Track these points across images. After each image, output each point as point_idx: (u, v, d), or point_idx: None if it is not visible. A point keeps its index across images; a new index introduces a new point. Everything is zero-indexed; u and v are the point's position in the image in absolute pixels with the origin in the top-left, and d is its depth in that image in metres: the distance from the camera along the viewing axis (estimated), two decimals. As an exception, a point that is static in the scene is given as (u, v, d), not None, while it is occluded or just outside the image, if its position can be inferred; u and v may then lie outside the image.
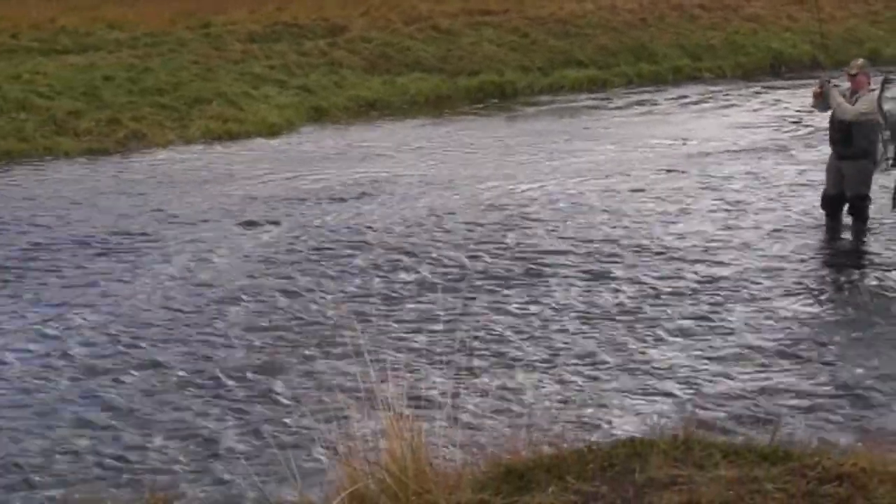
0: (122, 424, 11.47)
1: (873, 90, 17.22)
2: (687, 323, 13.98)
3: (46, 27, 32.32)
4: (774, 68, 34.04)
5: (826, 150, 17.95)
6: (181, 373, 12.72)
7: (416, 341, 13.38)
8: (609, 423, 11.16)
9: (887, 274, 15.92)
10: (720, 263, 16.20)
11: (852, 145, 17.00)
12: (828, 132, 17.54)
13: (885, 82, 16.77)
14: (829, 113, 17.32)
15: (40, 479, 10.20)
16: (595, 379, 12.29)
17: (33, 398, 12.04)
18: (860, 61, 17.94)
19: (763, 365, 12.67)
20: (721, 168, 22.01)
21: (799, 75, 21.11)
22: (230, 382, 12.53)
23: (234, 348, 13.48)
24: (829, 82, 17.32)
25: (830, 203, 17.51)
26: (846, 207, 17.52)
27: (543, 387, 12.21)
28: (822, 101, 17.41)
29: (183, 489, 9.88)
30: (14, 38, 30.90)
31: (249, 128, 26.24)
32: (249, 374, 12.70)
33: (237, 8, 35.59)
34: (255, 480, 10.09)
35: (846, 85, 17.42)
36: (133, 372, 12.72)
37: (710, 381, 12.27)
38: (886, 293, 15.23)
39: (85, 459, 10.61)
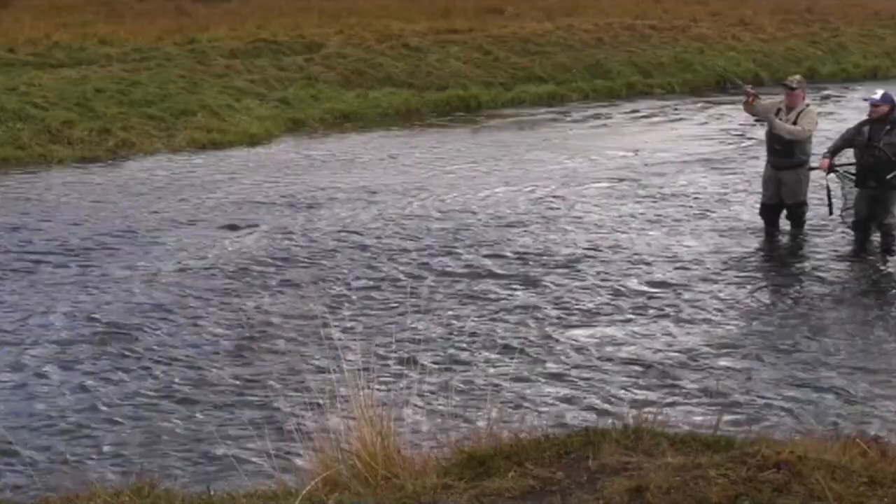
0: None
1: (808, 105, 17.32)
2: (633, 316, 14.05)
3: (42, 42, 32.22)
4: (720, 84, 34.08)
5: (764, 161, 17.98)
6: (157, 349, 12.76)
7: (384, 334, 13.38)
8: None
9: (824, 274, 15.99)
10: (666, 267, 16.24)
11: (792, 156, 17.09)
12: (767, 144, 17.59)
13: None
14: (768, 127, 17.39)
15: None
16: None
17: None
18: (798, 77, 18.05)
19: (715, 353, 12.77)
20: (670, 177, 22.05)
21: (741, 91, 21.25)
22: (211, 371, 12.53)
23: (213, 342, 13.47)
24: (754, 92, 17.45)
25: (769, 212, 17.60)
26: (784, 214, 17.60)
27: (506, 380, 12.23)
28: (754, 109, 17.53)
29: (168, 473, 9.86)
30: (11, 52, 30.79)
31: (231, 138, 26.20)
32: (228, 364, 12.71)
33: (220, 25, 35.54)
34: (234, 465, 10.10)
35: (778, 99, 17.51)
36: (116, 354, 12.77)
37: (662, 365, 12.35)
38: (823, 290, 15.31)
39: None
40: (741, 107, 18.32)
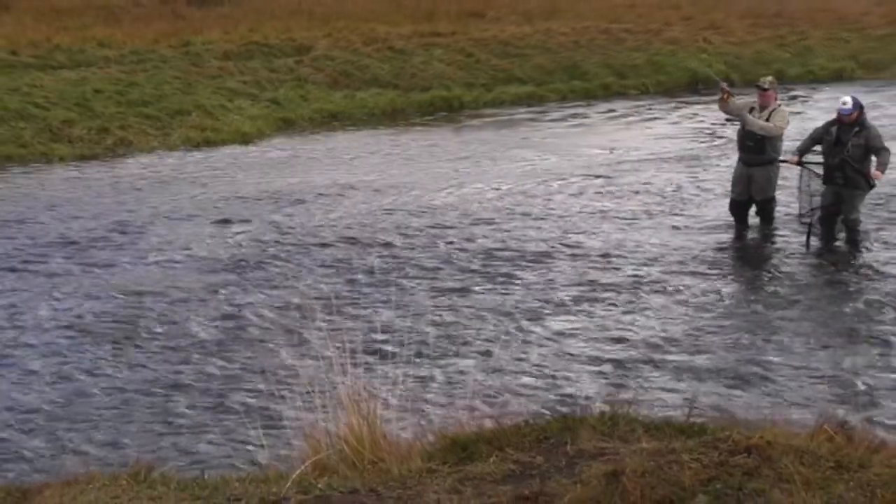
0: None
1: (780, 104, 17.33)
2: (608, 309, 14.06)
3: (43, 45, 32.13)
4: (692, 85, 34.10)
5: (734, 159, 17.99)
6: (151, 337, 12.75)
7: (370, 326, 13.38)
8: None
9: (791, 269, 16.01)
10: (638, 261, 16.25)
11: (763, 153, 17.09)
12: (738, 141, 17.59)
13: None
14: (740, 125, 17.39)
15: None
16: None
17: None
18: (770, 78, 18.04)
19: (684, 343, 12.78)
20: (644, 174, 22.04)
21: (713, 92, 21.21)
22: (204, 360, 12.51)
23: (205, 332, 13.46)
24: (728, 91, 17.46)
25: (738, 208, 17.61)
26: (754, 210, 17.62)
27: (484, 370, 12.22)
28: (727, 107, 17.54)
29: (165, 457, 9.84)
30: (13, 54, 30.72)
31: (225, 136, 26.18)
32: (219, 354, 12.70)
33: (214, 29, 35.46)
34: (229, 452, 10.09)
35: (751, 99, 17.51)
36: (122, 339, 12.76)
37: (634, 351, 12.37)
38: (789, 284, 15.33)
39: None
40: (716, 105, 18.32)
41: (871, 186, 16.51)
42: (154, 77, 29.40)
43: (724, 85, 17.72)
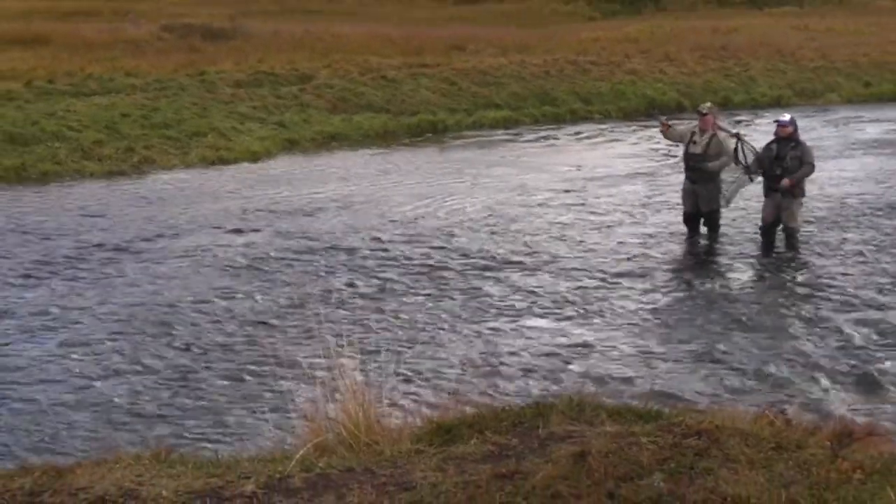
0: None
1: (720, 129, 17.38)
2: (571, 310, 14.06)
3: (77, 74, 32.08)
4: (649, 111, 34.11)
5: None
6: (186, 336, 12.73)
7: (364, 324, 13.38)
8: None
9: (735, 274, 16.02)
10: (600, 266, 16.25)
11: (706, 171, 17.13)
12: (684, 162, 17.66)
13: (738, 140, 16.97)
14: (684, 148, 17.46)
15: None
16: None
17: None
18: (709, 104, 18.19)
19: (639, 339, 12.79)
20: (607, 189, 22.07)
21: (669, 117, 21.25)
22: (221, 354, 12.50)
23: (221, 330, 13.44)
24: (666, 122, 17.56)
25: (690, 220, 17.69)
26: (703, 220, 17.66)
27: (465, 364, 12.22)
28: (670, 135, 17.62)
29: (183, 442, 9.82)
30: (51, 83, 30.64)
31: (236, 155, 26.13)
32: (233, 349, 12.68)
33: (226, 60, 35.43)
34: (239, 433, 10.06)
35: (692, 124, 17.59)
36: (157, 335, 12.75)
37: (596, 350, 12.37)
38: (733, 286, 15.33)
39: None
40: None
41: (751, 180, 17.08)
42: (174, 103, 29.32)
43: (663, 119, 17.85)
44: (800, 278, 15.65)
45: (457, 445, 7.25)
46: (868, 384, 11.52)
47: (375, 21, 49.94)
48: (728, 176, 17.17)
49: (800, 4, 57.57)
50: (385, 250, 17.13)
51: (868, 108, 35.01)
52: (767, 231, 16.93)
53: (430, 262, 16.44)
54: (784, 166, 16.37)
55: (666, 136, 17.99)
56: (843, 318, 13.60)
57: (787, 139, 16.48)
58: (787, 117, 16.83)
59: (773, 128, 17.14)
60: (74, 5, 54.02)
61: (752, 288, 15.34)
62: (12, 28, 41.27)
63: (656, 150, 26.66)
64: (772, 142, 16.75)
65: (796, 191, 16.52)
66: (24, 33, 40.10)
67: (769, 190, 16.73)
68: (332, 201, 20.95)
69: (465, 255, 16.75)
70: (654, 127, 30.18)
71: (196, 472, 6.94)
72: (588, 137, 30.27)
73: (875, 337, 12.93)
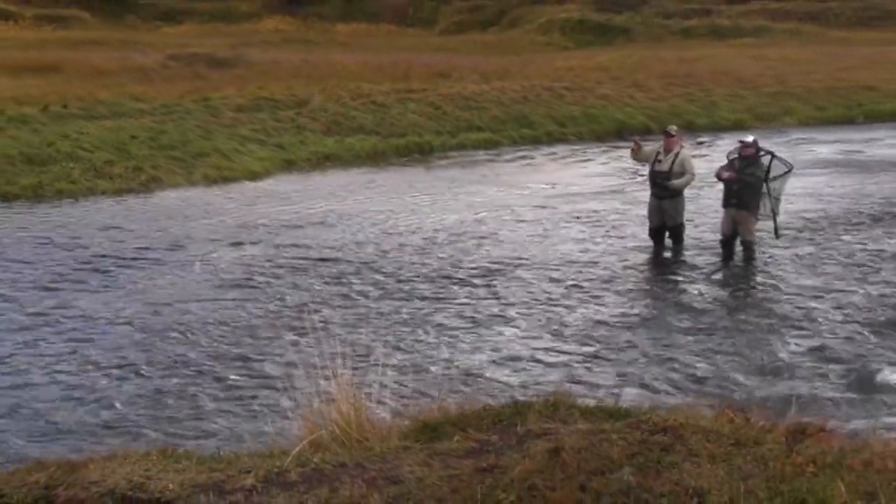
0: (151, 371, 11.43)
1: (682, 148, 17.45)
2: (539, 316, 14.07)
3: (88, 99, 32.00)
4: (619, 133, 34.17)
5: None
6: (189, 337, 12.72)
7: (355, 330, 13.37)
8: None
9: (699, 285, 16.05)
10: (572, 276, 16.28)
11: (670, 189, 17.22)
12: (650, 180, 17.72)
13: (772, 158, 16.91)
14: (650, 166, 17.53)
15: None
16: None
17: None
18: (675, 127, 18.31)
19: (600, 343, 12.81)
20: (579, 204, 22.11)
21: (642, 137, 21.36)
22: (221, 361, 12.49)
23: (221, 336, 13.43)
24: (639, 143, 17.62)
25: (655, 233, 17.75)
26: (668, 234, 17.72)
27: (448, 366, 12.23)
28: (638, 155, 17.66)
29: (186, 441, 9.82)
30: (65, 107, 30.58)
31: (238, 174, 26.14)
32: (233, 356, 12.67)
33: (229, 87, 35.40)
34: (239, 431, 10.05)
35: (657, 144, 17.66)
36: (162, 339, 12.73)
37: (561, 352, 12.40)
38: (694, 295, 15.36)
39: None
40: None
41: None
42: (180, 126, 29.30)
43: (637, 139, 17.88)
44: (756, 288, 15.70)
45: (441, 442, 7.26)
46: (818, 385, 11.56)
47: (367, 51, 49.99)
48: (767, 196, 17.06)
49: (758, 36, 57.71)
50: (375, 261, 17.15)
51: (820, 131, 35.14)
52: (726, 243, 16.99)
53: (417, 271, 16.46)
54: (744, 180, 16.49)
55: (634, 158, 18.07)
56: (792, 325, 13.68)
57: (748, 158, 16.58)
58: (750, 139, 16.97)
59: (733, 147, 17.25)
60: (85, 36, 54.00)
61: (711, 296, 15.36)
62: (28, 57, 41.21)
63: (625, 169, 26.72)
64: (734, 158, 16.87)
65: (751, 205, 16.63)
66: (38, 62, 40.06)
67: (726, 203, 16.85)
68: (326, 216, 20.96)
69: (450, 266, 16.76)
70: (624, 148, 30.38)
71: (200, 466, 6.95)
72: (562, 157, 30.32)
73: (821, 342, 13.01)
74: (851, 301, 14.66)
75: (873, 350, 12.71)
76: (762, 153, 16.80)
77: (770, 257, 17.15)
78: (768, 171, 16.75)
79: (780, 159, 17.01)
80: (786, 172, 17.00)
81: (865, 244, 18.02)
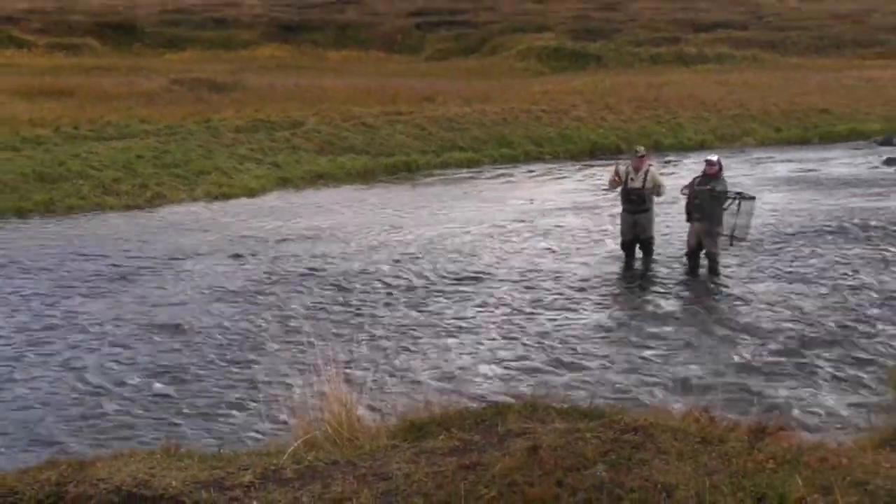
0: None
1: (651, 166, 17.53)
2: (514, 326, 14.08)
3: (97, 121, 31.91)
4: (593, 153, 34.19)
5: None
6: (191, 343, 12.69)
7: (345, 336, 13.36)
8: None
9: (666, 296, 16.09)
10: (546, 285, 16.30)
11: (643, 203, 17.30)
12: (623, 197, 17.74)
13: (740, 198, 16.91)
14: (623, 186, 17.56)
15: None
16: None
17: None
18: (643, 147, 18.43)
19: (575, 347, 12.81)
20: (555, 219, 22.12)
21: (610, 158, 21.32)
22: (220, 364, 12.47)
23: (220, 342, 13.42)
24: (620, 179, 17.64)
25: (627, 246, 17.78)
26: (638, 246, 17.75)
27: (434, 371, 12.24)
28: (615, 184, 17.62)
29: (189, 439, 9.80)
30: (76, 129, 30.51)
31: (237, 191, 26.08)
32: (230, 359, 12.66)
33: (228, 109, 35.33)
34: (238, 430, 10.03)
35: (627, 164, 17.73)
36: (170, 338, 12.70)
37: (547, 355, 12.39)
38: (665, 301, 15.40)
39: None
40: (610, 168, 18.45)
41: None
42: (182, 146, 29.24)
43: (618, 177, 17.79)
44: (719, 297, 15.74)
45: (427, 441, 7.25)
46: (776, 385, 11.61)
47: (357, 76, 49.97)
48: (730, 217, 17.01)
49: (721, 62, 57.84)
50: (365, 271, 17.14)
51: (778, 150, 35.23)
52: (692, 255, 17.05)
53: (403, 281, 16.47)
54: (709, 194, 16.60)
55: (612, 188, 18.19)
56: (751, 331, 13.76)
57: (712, 176, 16.73)
58: (714, 158, 17.17)
59: (697, 166, 17.33)
60: (95, 62, 53.91)
61: (678, 305, 15.40)
62: (42, 82, 41.12)
63: (598, 185, 26.75)
64: (698, 176, 17.03)
65: (714, 219, 16.70)
66: (52, 86, 39.97)
67: (690, 217, 16.98)
68: (319, 230, 20.93)
69: (433, 276, 16.77)
70: (596, 166, 30.50)
71: (201, 464, 6.94)
72: (539, 175, 30.32)
73: (778, 346, 13.07)
74: (802, 307, 14.78)
75: (820, 354, 12.84)
76: (730, 194, 16.90)
77: (732, 269, 17.18)
78: (737, 195, 16.84)
79: (743, 195, 17.07)
80: (751, 198, 17.04)
81: (822, 255, 18.09)
